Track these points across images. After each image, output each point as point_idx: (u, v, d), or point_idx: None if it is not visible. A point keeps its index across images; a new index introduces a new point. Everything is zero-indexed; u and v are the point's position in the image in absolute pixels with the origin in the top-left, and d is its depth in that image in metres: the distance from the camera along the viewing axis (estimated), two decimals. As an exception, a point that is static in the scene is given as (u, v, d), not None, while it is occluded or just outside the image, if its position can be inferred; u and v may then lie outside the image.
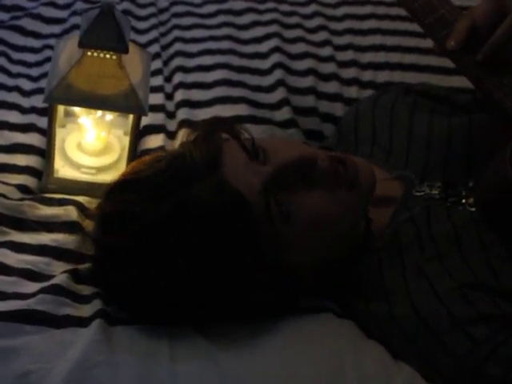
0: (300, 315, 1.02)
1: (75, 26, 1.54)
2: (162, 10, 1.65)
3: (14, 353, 0.93)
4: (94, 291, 1.03)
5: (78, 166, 1.25)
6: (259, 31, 1.60)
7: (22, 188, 1.22)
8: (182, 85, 1.45)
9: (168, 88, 1.45)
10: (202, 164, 0.96)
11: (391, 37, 1.59)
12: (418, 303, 1.00)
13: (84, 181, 1.23)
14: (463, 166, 1.17)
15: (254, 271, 0.96)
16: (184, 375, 0.94)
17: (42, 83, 1.40)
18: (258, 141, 1.02)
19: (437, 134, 1.21)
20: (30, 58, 1.50)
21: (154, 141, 1.32)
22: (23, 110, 1.36)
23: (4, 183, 1.21)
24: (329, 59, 1.54)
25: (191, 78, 1.47)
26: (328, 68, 1.52)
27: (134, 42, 1.27)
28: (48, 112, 1.19)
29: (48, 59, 1.46)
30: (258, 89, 1.46)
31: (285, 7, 1.68)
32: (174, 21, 1.61)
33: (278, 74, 1.48)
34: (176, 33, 1.58)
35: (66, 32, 1.56)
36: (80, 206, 1.17)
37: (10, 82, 1.42)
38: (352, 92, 1.48)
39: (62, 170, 1.25)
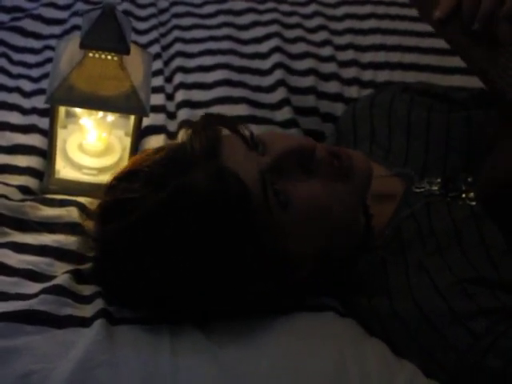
0: (302, 313, 1.02)
1: (75, 27, 1.55)
2: (162, 11, 1.66)
3: (16, 353, 0.93)
4: (96, 291, 1.03)
5: (79, 167, 1.25)
6: (259, 31, 1.60)
7: (24, 189, 1.22)
8: (182, 85, 1.45)
9: (169, 88, 1.45)
10: (202, 152, 0.96)
11: (391, 36, 1.60)
12: (420, 298, 1.00)
13: (85, 182, 1.23)
14: (462, 162, 1.17)
15: (253, 260, 0.96)
16: (185, 369, 0.94)
17: (43, 84, 1.40)
18: (258, 135, 1.02)
19: (435, 130, 1.22)
20: (31, 58, 1.50)
21: (155, 141, 1.32)
22: (24, 111, 1.36)
23: (5, 184, 1.21)
24: (329, 59, 1.54)
25: (192, 78, 1.47)
26: (328, 68, 1.52)
27: (135, 42, 1.27)
28: (49, 113, 1.19)
29: (48, 60, 1.46)
30: (258, 89, 1.46)
31: (285, 7, 1.68)
32: (174, 21, 1.62)
33: (278, 74, 1.48)
34: (176, 33, 1.58)
35: (67, 33, 1.56)
36: (81, 207, 1.17)
37: (11, 82, 1.42)
38: (352, 92, 1.48)
39: (64, 170, 1.25)
